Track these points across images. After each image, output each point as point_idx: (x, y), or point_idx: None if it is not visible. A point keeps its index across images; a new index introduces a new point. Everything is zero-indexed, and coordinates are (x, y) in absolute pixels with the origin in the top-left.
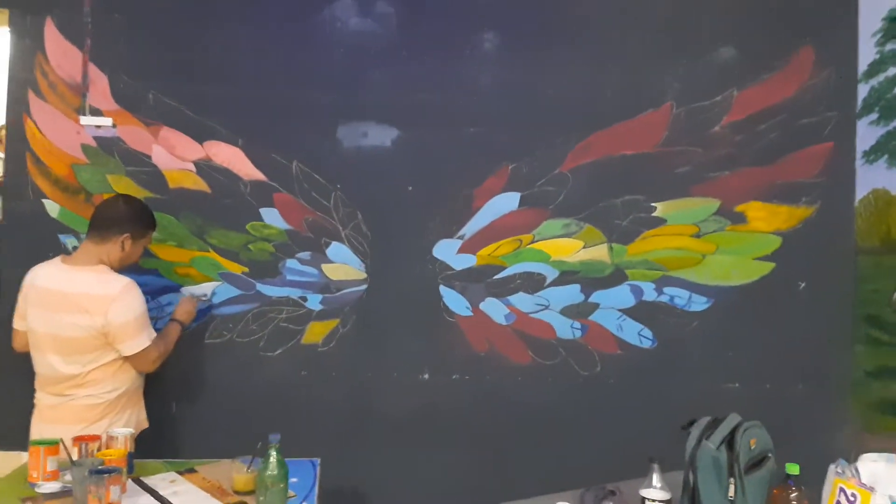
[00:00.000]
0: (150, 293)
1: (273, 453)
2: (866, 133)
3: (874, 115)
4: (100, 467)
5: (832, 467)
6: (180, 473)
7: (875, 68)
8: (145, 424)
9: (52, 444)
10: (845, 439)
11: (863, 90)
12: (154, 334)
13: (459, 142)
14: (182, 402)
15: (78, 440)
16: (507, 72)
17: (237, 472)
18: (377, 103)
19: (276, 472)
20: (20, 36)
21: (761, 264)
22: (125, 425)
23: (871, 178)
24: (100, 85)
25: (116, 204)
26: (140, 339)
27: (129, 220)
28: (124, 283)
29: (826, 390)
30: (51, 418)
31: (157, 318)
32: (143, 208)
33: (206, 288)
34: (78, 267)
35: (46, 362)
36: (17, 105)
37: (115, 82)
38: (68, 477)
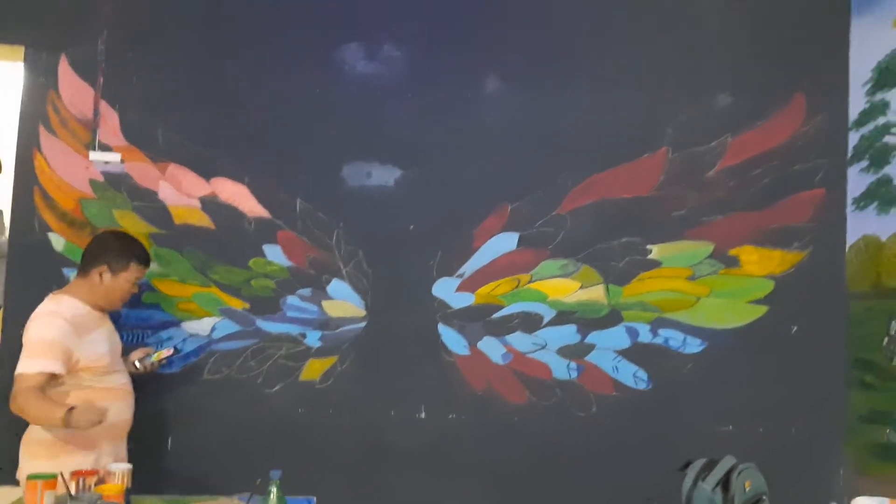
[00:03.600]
0: (152, 327)
1: (273, 490)
2: (857, 180)
3: (864, 163)
4: (98, 502)
5: None
6: None
7: (865, 117)
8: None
9: (50, 479)
10: (838, 482)
11: (853, 138)
12: (48, 371)
13: (460, 182)
14: (179, 438)
15: (76, 475)
16: (508, 115)
17: None
18: (382, 144)
19: None
20: (34, 72)
21: (754, 307)
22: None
23: (861, 224)
24: (110, 122)
25: (100, 237)
26: (25, 361)
27: (107, 252)
28: (48, 308)
29: (819, 433)
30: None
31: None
32: (126, 241)
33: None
34: (50, 296)
35: None
36: (28, 139)
37: (125, 119)
38: None
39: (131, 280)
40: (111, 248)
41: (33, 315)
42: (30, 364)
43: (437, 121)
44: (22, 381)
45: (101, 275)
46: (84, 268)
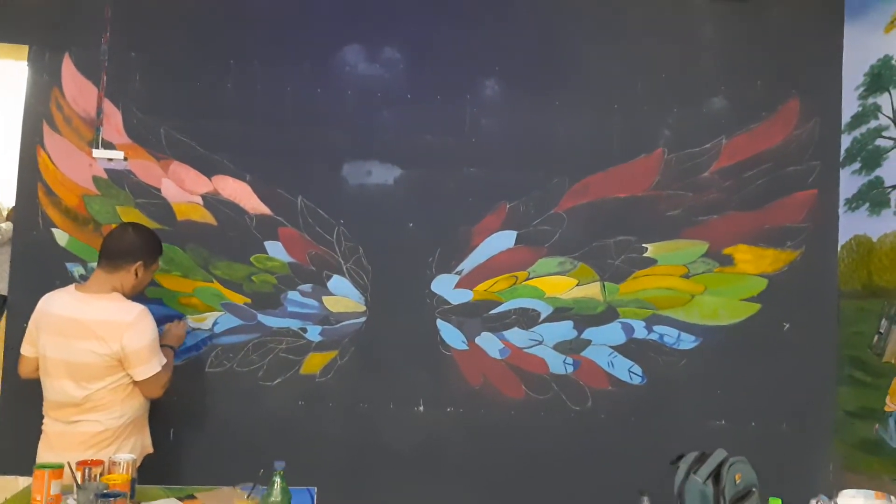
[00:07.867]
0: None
1: (277, 480)
2: (849, 182)
3: (856, 165)
4: (105, 491)
5: (813, 502)
6: (181, 500)
7: (857, 120)
8: (150, 450)
9: (57, 468)
10: (827, 477)
11: (845, 141)
12: (164, 360)
13: (459, 181)
14: (182, 430)
15: (82, 465)
16: (507, 116)
17: (238, 500)
18: (382, 143)
19: (279, 499)
20: (38, 71)
21: (747, 305)
22: (132, 451)
23: (853, 225)
24: (113, 120)
25: (126, 233)
26: (152, 364)
27: (141, 249)
28: (139, 309)
29: (809, 429)
30: (58, 445)
31: None
32: (152, 236)
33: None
34: (92, 294)
35: (57, 388)
36: (32, 137)
37: (128, 117)
38: (71, 501)
39: (154, 272)
40: (144, 244)
41: (129, 321)
42: (154, 365)
43: (436, 121)
44: (159, 381)
45: (136, 271)
46: (117, 264)
